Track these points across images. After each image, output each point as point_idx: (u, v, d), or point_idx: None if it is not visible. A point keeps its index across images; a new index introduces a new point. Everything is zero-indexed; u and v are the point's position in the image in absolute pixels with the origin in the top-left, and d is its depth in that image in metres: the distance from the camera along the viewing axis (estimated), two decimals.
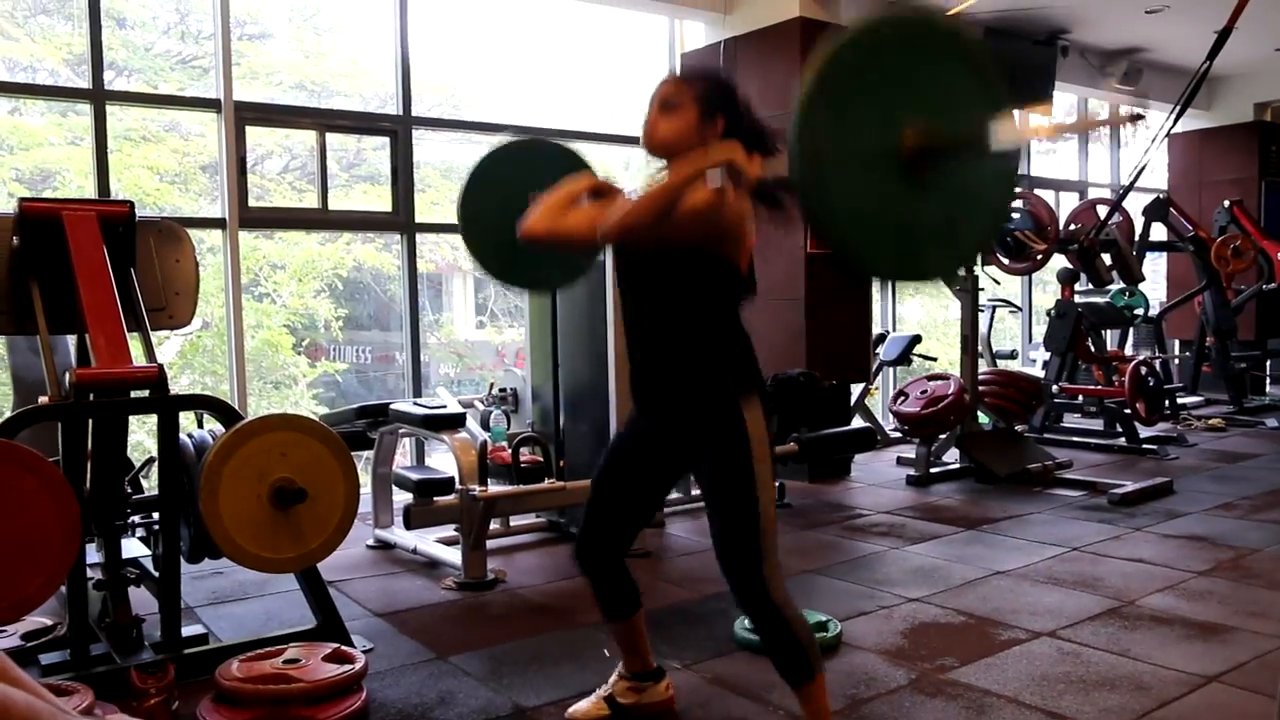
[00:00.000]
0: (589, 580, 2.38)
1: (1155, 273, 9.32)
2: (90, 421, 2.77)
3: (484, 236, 2.65)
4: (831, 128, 1.68)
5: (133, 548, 3.31)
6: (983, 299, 6.48)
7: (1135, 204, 7.69)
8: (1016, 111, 1.84)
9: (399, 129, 5.35)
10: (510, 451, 4.15)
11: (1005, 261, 6.13)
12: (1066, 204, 8.49)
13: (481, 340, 9.20)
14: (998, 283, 7.16)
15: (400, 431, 4.27)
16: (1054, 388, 6.73)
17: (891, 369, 7.07)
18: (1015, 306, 8.26)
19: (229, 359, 4.93)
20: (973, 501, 5.01)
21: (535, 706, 2.55)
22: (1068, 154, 9.26)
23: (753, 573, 2.11)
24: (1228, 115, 9.30)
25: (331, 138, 5.29)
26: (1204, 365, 8.28)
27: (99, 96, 4.56)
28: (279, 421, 2.70)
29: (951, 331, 7.91)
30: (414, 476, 3.87)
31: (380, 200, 5.67)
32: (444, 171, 7.14)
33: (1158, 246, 8.41)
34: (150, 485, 3.19)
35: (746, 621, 2.82)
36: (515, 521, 4.43)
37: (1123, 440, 6.42)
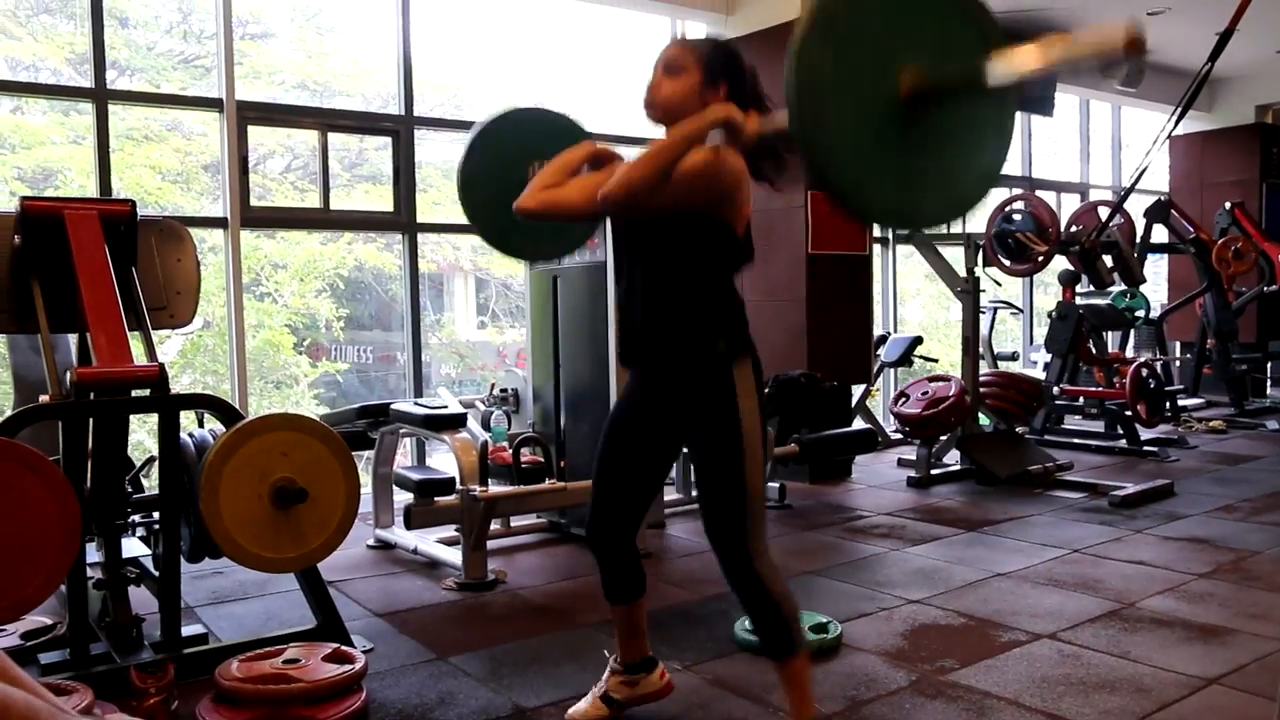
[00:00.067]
0: (598, 561, 2.37)
1: (1156, 275, 9.32)
2: (91, 420, 2.78)
3: (482, 203, 2.64)
4: (829, 66, 1.69)
5: (133, 547, 3.31)
6: (984, 301, 6.48)
7: (1136, 206, 7.68)
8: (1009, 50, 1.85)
9: (401, 129, 5.35)
10: (511, 452, 4.16)
11: (1006, 263, 6.12)
12: (1068, 206, 8.50)
13: (483, 340, 9.21)
14: (999, 284, 7.16)
15: (401, 431, 4.27)
16: (1055, 389, 6.72)
17: (893, 370, 7.07)
18: (1016, 308, 8.25)
19: (230, 358, 4.92)
20: (973, 503, 5.00)
21: (535, 707, 2.55)
22: (1069, 156, 9.27)
23: (738, 542, 2.12)
24: (1229, 117, 9.30)
25: (333, 137, 5.29)
26: (1205, 367, 8.28)
27: (101, 96, 4.56)
28: (280, 421, 2.70)
29: (953, 333, 7.90)
30: (415, 477, 3.87)
31: (382, 200, 5.67)
32: (446, 171, 7.13)
33: (1159, 248, 8.41)
34: (150, 485, 3.19)
35: (747, 623, 2.82)
36: (516, 522, 4.43)
37: (1123, 442, 6.42)
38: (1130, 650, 2.88)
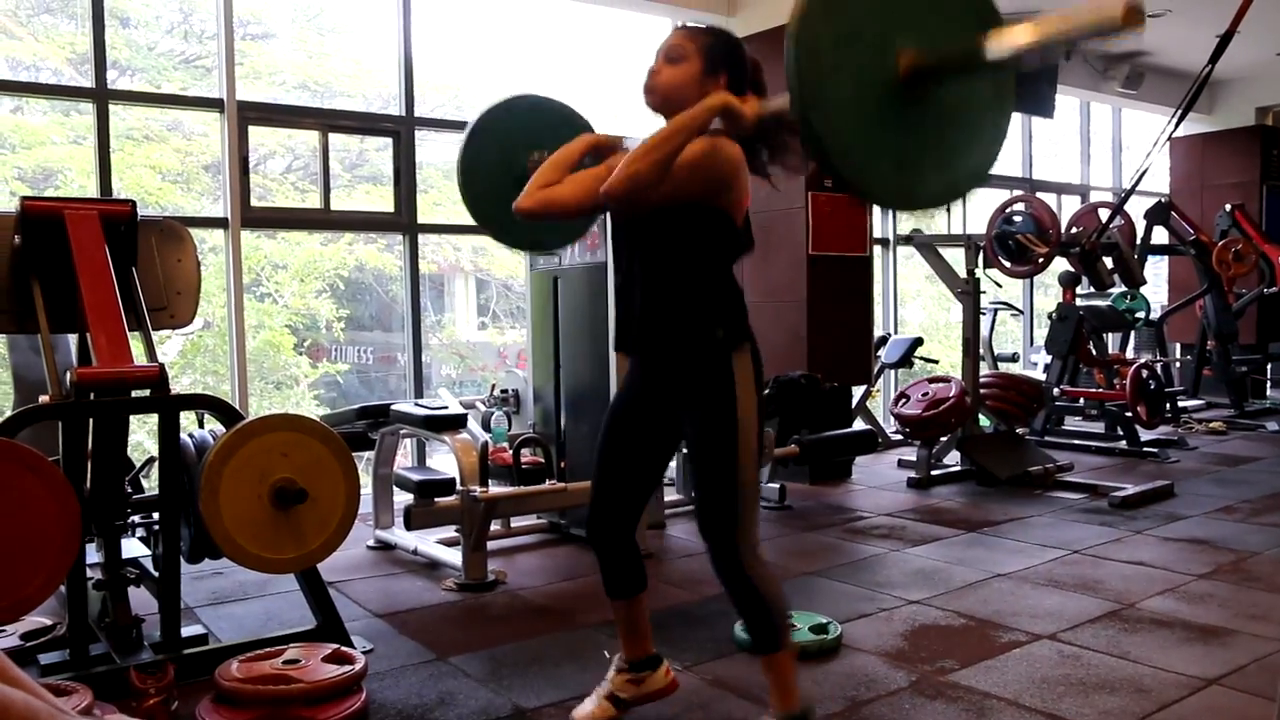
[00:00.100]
0: (599, 555, 2.35)
1: (1156, 276, 9.32)
2: (91, 421, 2.78)
3: (481, 193, 2.64)
4: (829, 43, 1.70)
5: (133, 548, 3.31)
6: (984, 302, 6.48)
7: (1137, 207, 7.69)
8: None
9: (402, 129, 5.35)
10: (511, 453, 4.16)
11: (1007, 265, 6.12)
12: (1068, 207, 8.50)
13: (483, 341, 9.21)
14: (999, 286, 7.16)
15: (401, 432, 4.27)
16: (1055, 391, 6.72)
17: (893, 371, 7.07)
18: (1017, 309, 8.26)
19: (230, 359, 4.93)
20: (973, 504, 5.00)
21: (535, 708, 2.55)
22: (1070, 158, 9.27)
23: (727, 534, 2.11)
24: (1229, 119, 9.31)
25: (334, 138, 5.30)
26: (1205, 369, 8.28)
27: (102, 96, 4.56)
28: (280, 422, 2.70)
29: (953, 334, 7.91)
30: (415, 477, 3.86)
31: (383, 201, 5.67)
32: (446, 172, 7.12)
33: (1159, 250, 8.41)
34: (150, 485, 3.19)
35: None
36: (516, 523, 4.42)
37: (1123, 443, 6.42)
38: (1130, 651, 2.88)
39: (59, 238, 2.84)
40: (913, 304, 10.29)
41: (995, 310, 7.74)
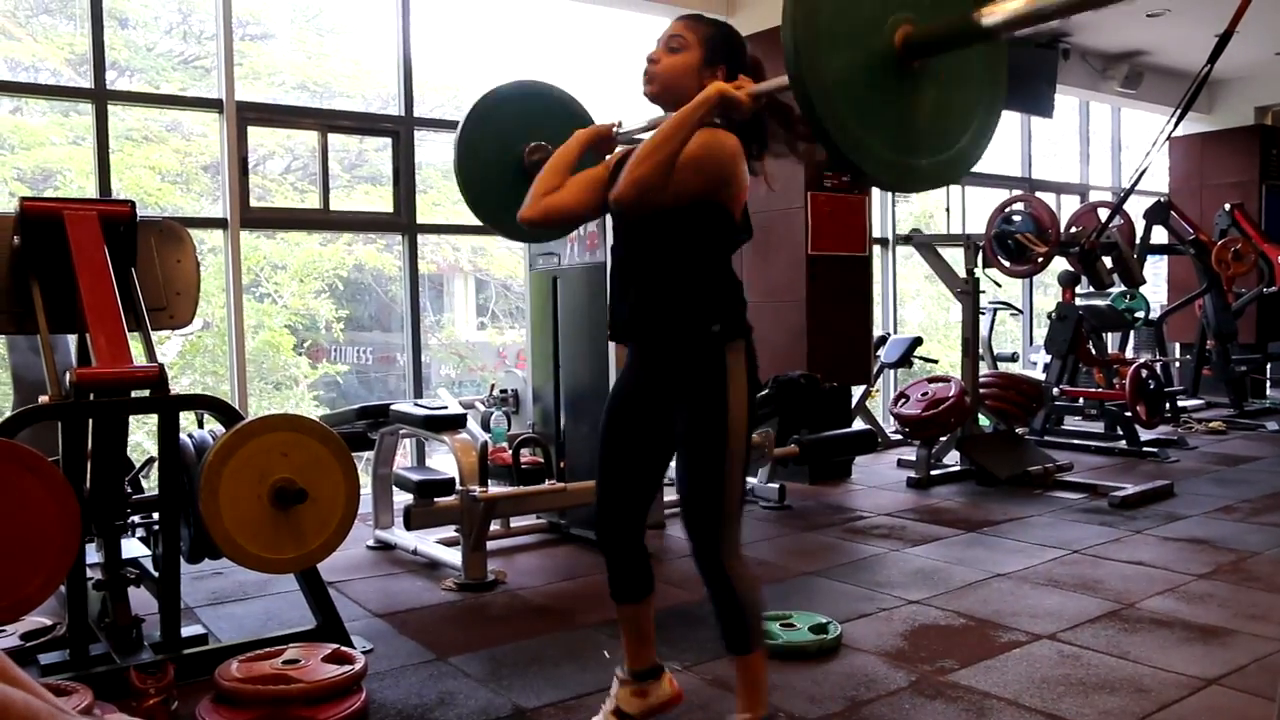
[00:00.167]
0: (607, 558, 2.31)
1: (1156, 276, 9.32)
2: (90, 421, 2.77)
3: (478, 181, 2.66)
4: (825, 15, 1.72)
5: (133, 548, 3.31)
6: (984, 302, 6.48)
7: (1136, 207, 7.69)
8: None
9: (401, 130, 5.35)
10: (511, 453, 4.16)
11: (1006, 264, 6.12)
12: (1068, 207, 8.50)
13: (482, 341, 9.21)
14: (999, 285, 7.16)
15: (401, 432, 4.27)
16: (1055, 390, 6.72)
17: (892, 371, 7.07)
18: (1016, 309, 8.26)
19: (230, 359, 4.93)
20: (973, 504, 5.00)
21: (535, 708, 2.55)
22: (1069, 157, 9.27)
23: (710, 530, 2.10)
24: (1229, 119, 9.31)
25: (333, 138, 5.30)
26: (1204, 368, 8.28)
27: (101, 96, 4.56)
28: (280, 422, 2.70)
29: (952, 334, 7.91)
30: (414, 477, 3.86)
31: (382, 201, 5.67)
32: (446, 172, 7.12)
33: (1159, 250, 8.41)
34: (150, 485, 3.19)
35: None
36: (516, 523, 4.42)
37: (1123, 443, 6.42)
38: (1130, 651, 2.88)
39: (58, 238, 2.84)
40: (912, 304, 10.30)
41: (995, 310, 7.74)
